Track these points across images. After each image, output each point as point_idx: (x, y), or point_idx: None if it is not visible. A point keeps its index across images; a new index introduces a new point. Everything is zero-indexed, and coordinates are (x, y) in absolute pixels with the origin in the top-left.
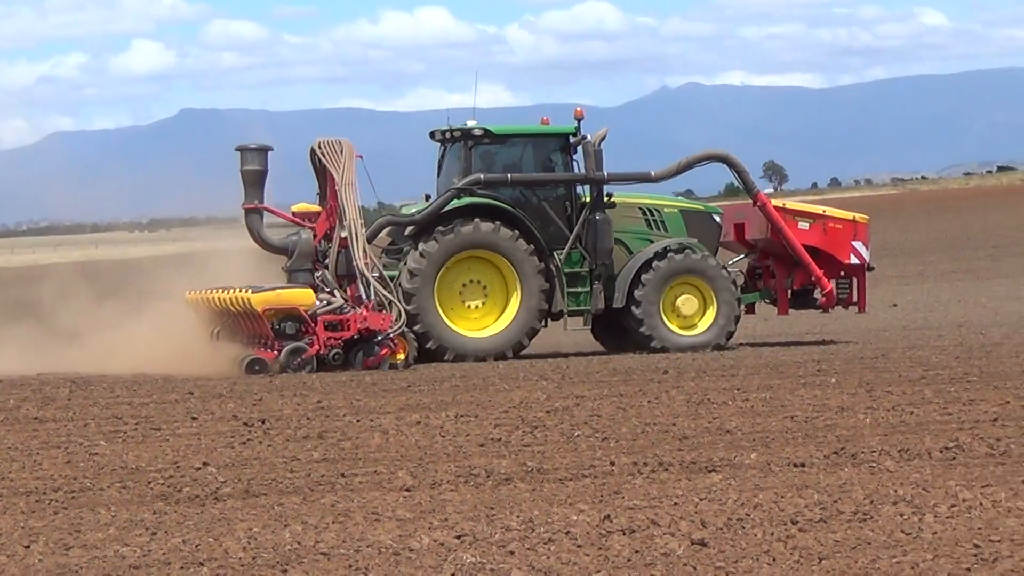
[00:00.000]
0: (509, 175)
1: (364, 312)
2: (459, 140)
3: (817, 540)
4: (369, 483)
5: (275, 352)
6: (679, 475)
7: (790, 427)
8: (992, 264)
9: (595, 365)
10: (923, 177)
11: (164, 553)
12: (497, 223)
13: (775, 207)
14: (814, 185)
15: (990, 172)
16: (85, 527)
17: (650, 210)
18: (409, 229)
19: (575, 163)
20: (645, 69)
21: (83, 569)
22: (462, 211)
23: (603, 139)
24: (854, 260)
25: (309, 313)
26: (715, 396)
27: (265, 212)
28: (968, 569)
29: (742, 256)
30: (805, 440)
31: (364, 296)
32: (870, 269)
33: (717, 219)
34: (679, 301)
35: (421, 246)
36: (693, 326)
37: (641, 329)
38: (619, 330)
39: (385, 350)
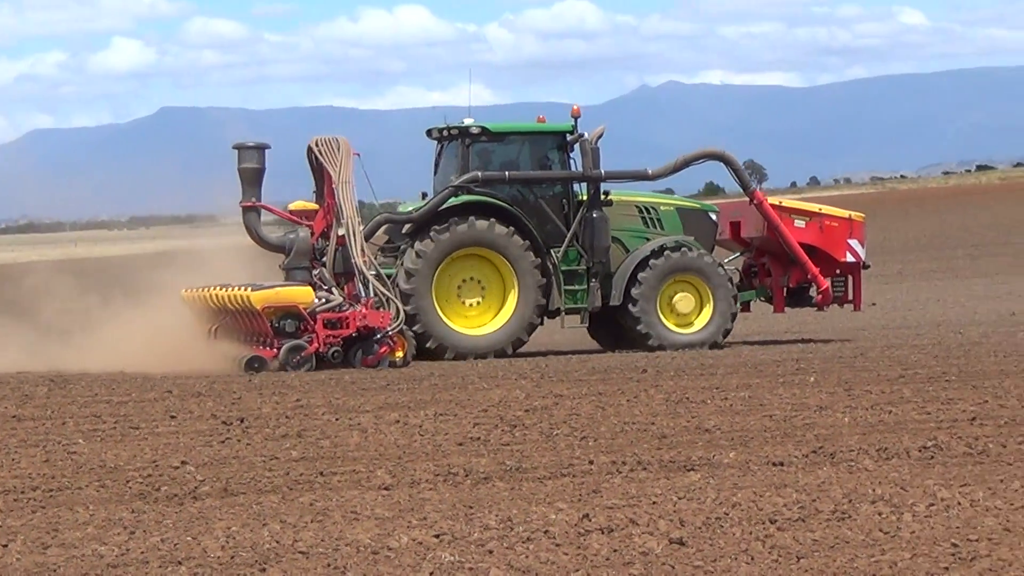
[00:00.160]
0: (507, 173)
1: (363, 310)
2: (456, 138)
3: (795, 539)
4: (348, 482)
5: (274, 350)
6: (658, 474)
7: (769, 426)
8: (971, 263)
9: (574, 364)
10: (902, 176)
11: (142, 552)
12: (494, 221)
13: (771, 205)
14: (793, 184)
15: (969, 171)
16: (63, 526)
17: (646, 208)
18: (407, 227)
19: (572, 161)
20: (625, 68)
21: (61, 568)
22: (459, 209)
23: (600, 137)
24: (850, 258)
25: (308, 311)
26: (694, 395)
27: (259, 210)
28: (946, 568)
29: (738, 254)
30: (784, 439)
31: (362, 294)
32: (866, 267)
33: (713, 217)
34: (675, 299)
35: (418, 244)
36: (690, 324)
37: (639, 328)
38: (615, 328)
39: (384, 348)
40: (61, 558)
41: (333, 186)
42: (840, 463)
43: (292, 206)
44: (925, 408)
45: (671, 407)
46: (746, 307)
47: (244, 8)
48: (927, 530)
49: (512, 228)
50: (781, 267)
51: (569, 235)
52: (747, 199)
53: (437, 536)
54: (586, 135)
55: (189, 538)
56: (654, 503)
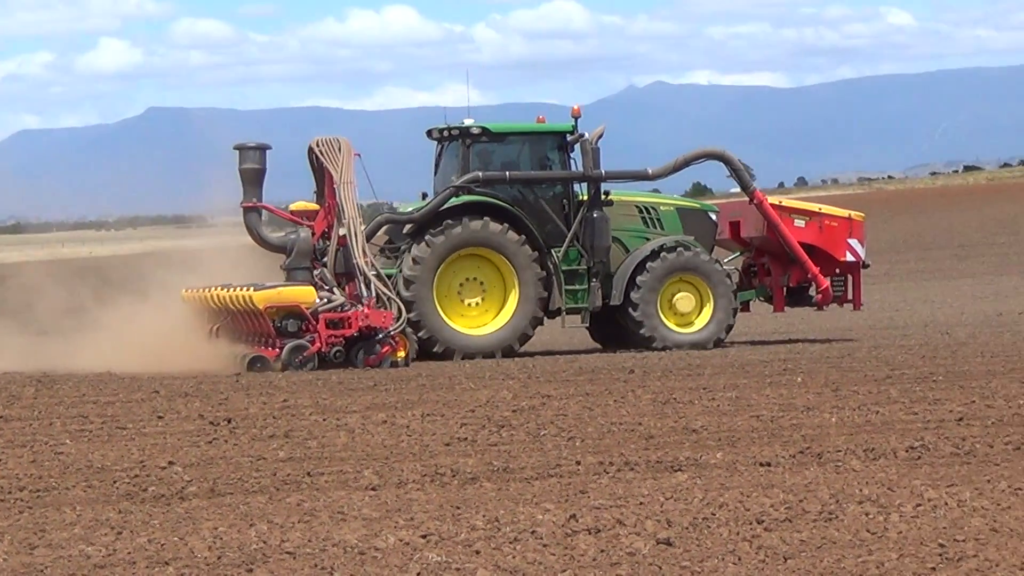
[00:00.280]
0: (507, 173)
1: (366, 310)
2: (456, 138)
3: (782, 539)
4: (335, 482)
5: (276, 350)
6: (645, 474)
7: (756, 426)
8: (958, 264)
9: (561, 364)
10: (889, 177)
11: (129, 552)
12: (494, 221)
13: (772, 204)
14: (781, 185)
15: (956, 172)
16: (50, 526)
17: (646, 208)
18: (407, 227)
19: (572, 161)
20: (612, 68)
21: (48, 569)
22: (460, 209)
23: (600, 137)
24: (850, 257)
25: (311, 311)
26: (681, 395)
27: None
28: (933, 568)
29: (737, 254)
30: (771, 439)
31: (364, 294)
32: (865, 266)
33: (713, 217)
34: (676, 299)
35: (419, 244)
36: (690, 323)
37: (641, 331)
38: (615, 328)
39: (386, 348)
40: (48, 558)
41: (334, 186)
42: (827, 463)
43: (293, 206)
44: (912, 408)
45: (658, 407)
46: (745, 307)
47: (230, 8)
48: (914, 530)
49: (513, 228)
50: (781, 267)
51: (570, 235)
52: (747, 199)
53: (424, 536)
54: (586, 135)
55: (176, 538)
56: (641, 503)
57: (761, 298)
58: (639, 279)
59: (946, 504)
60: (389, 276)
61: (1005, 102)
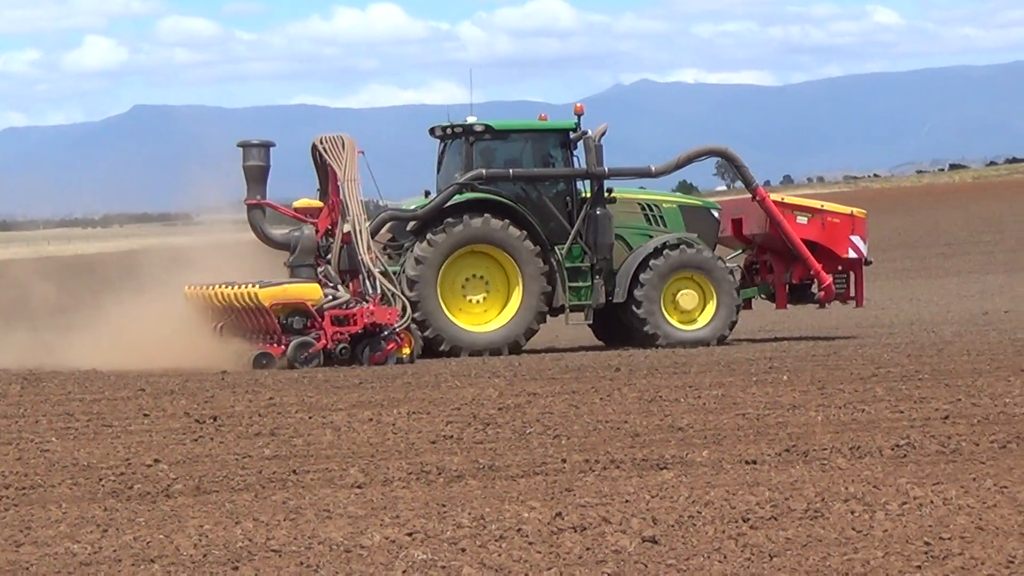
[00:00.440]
0: (511, 170)
1: (371, 307)
2: (460, 136)
3: (768, 538)
4: (320, 480)
5: (282, 347)
6: (631, 472)
7: (742, 425)
8: (944, 262)
9: (547, 362)
10: (875, 175)
11: (115, 550)
12: (498, 218)
13: (774, 201)
14: (767, 183)
15: (942, 170)
16: (36, 524)
17: (649, 205)
18: (411, 225)
19: (575, 158)
20: (598, 67)
21: (34, 566)
22: (464, 206)
23: (603, 134)
24: (852, 254)
25: (316, 308)
26: (667, 393)
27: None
28: (919, 567)
29: (739, 252)
30: (757, 437)
31: (369, 291)
32: (868, 263)
33: (715, 214)
34: (679, 296)
35: (423, 241)
36: (693, 321)
37: (645, 328)
38: (618, 325)
39: (391, 345)
40: (34, 556)
41: (338, 184)
42: (813, 461)
43: (297, 204)
44: (898, 407)
45: (644, 405)
46: (748, 304)
47: (216, 6)
48: (900, 529)
49: (517, 226)
50: (783, 264)
51: (573, 232)
52: (749, 196)
53: (410, 534)
54: (589, 132)
55: (162, 536)
56: (627, 501)
57: (763, 295)
58: (642, 277)
59: (932, 502)
60: (393, 273)
61: (991, 101)
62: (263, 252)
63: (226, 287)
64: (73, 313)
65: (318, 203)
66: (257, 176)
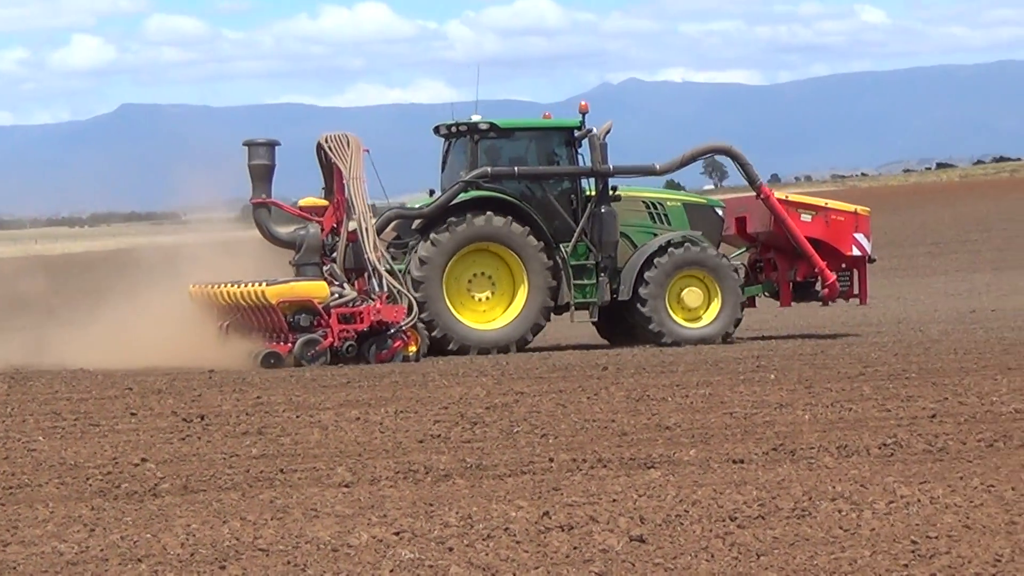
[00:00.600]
0: (516, 168)
1: (378, 304)
2: (464, 134)
3: (755, 536)
4: (308, 479)
5: (288, 344)
6: (618, 471)
7: (729, 423)
8: (931, 261)
9: (535, 362)
10: (863, 174)
11: (102, 549)
12: (504, 216)
13: (778, 199)
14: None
15: (929, 169)
16: (23, 523)
17: (654, 203)
18: (416, 223)
19: (580, 156)
20: (586, 65)
21: (21, 565)
22: (469, 204)
23: (608, 132)
24: (856, 252)
25: (323, 306)
26: (654, 392)
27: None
28: (906, 565)
29: (743, 250)
30: (744, 436)
31: (376, 289)
32: (871, 261)
33: (719, 212)
34: (684, 294)
35: (428, 240)
36: (698, 318)
37: (651, 327)
38: (622, 324)
39: (398, 343)
40: (20, 555)
41: (344, 182)
42: (800, 460)
43: (302, 202)
44: (885, 405)
45: (632, 404)
46: (751, 302)
47: (203, 5)
48: (887, 527)
49: (523, 225)
50: (787, 262)
51: (578, 230)
52: (753, 194)
53: (397, 533)
54: (594, 130)
55: (149, 535)
56: (614, 500)
57: (767, 293)
58: (647, 275)
59: (919, 501)
60: (399, 271)
61: (978, 100)
62: (258, 251)
63: (232, 286)
64: (62, 312)
65: (323, 201)
66: (262, 175)
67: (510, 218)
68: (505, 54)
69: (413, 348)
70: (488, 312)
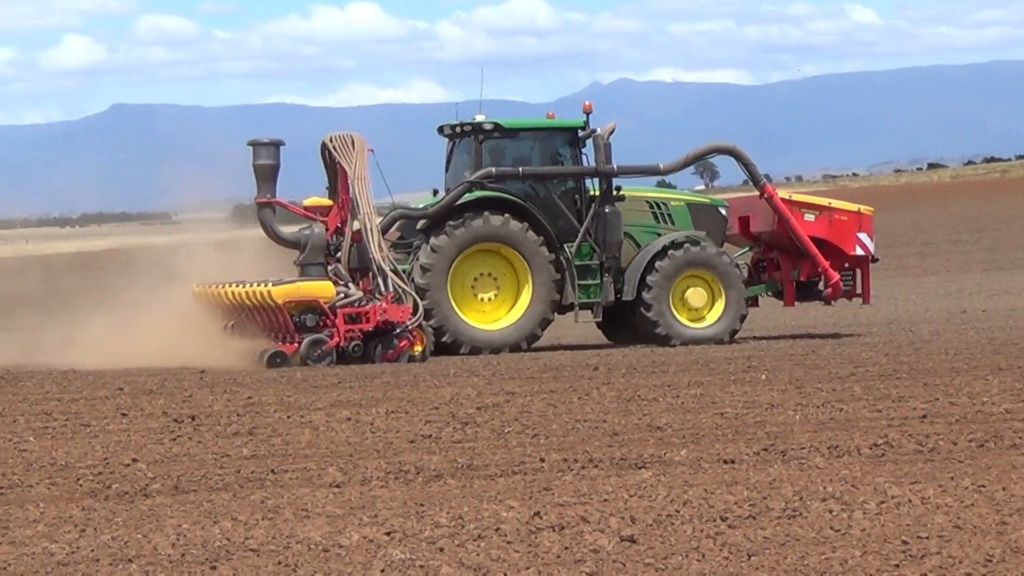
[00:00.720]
0: (520, 169)
1: (384, 304)
2: (469, 135)
3: (746, 537)
4: (299, 479)
5: (294, 344)
6: (609, 472)
7: (720, 424)
8: (922, 261)
9: (526, 362)
10: (854, 174)
11: (93, 550)
12: (508, 216)
13: (781, 199)
14: (745, 182)
15: (920, 169)
16: (13, 524)
17: (657, 203)
18: (421, 223)
19: (584, 156)
20: (576, 65)
21: (11, 566)
22: (473, 205)
23: (612, 132)
24: (859, 251)
25: (329, 305)
26: (645, 393)
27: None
28: (896, 565)
29: (746, 249)
30: (735, 437)
31: (382, 289)
32: (874, 260)
33: (723, 212)
34: (687, 294)
35: (433, 240)
36: (702, 318)
37: (656, 330)
38: (626, 323)
39: (404, 343)
40: (11, 556)
41: (348, 182)
42: (791, 461)
43: (307, 202)
44: (876, 406)
45: (623, 405)
46: (754, 302)
47: (193, 5)
48: (878, 528)
49: (526, 223)
50: (790, 261)
51: (582, 230)
52: (757, 193)
53: (388, 534)
54: (598, 130)
55: (140, 536)
56: (605, 501)
57: (770, 293)
58: (649, 278)
59: (910, 501)
60: (403, 271)
61: (968, 100)
62: (253, 250)
63: (237, 286)
64: (56, 312)
65: (328, 201)
66: (267, 175)
67: (524, 223)
68: (495, 54)
69: (419, 348)
70: (492, 312)
